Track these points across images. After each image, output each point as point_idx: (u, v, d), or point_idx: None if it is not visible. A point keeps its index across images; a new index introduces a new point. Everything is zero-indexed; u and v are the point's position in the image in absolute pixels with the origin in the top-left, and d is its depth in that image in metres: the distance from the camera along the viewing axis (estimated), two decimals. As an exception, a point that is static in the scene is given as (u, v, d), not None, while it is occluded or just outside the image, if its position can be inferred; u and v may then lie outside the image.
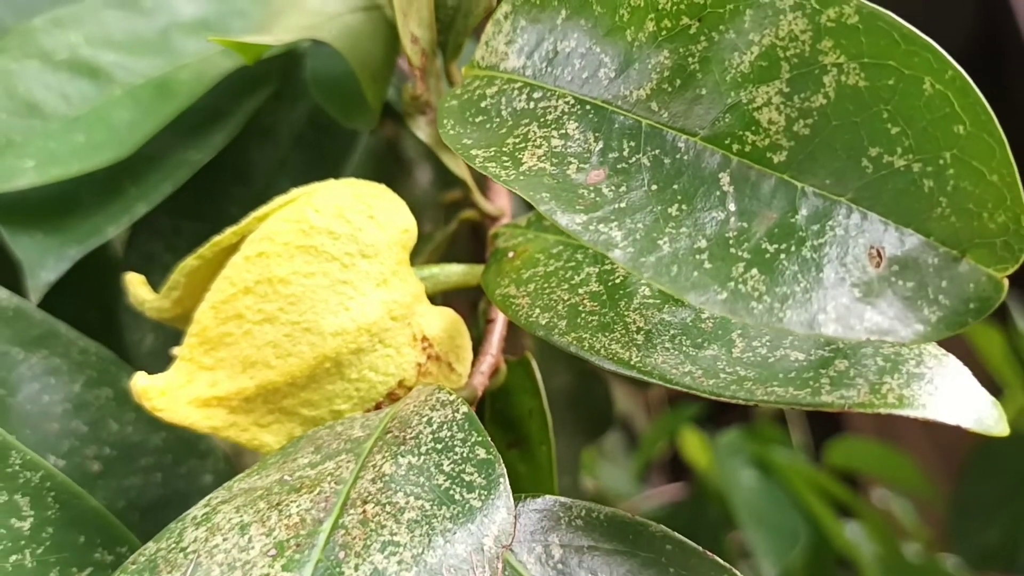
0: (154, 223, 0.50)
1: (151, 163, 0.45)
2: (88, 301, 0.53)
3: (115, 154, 0.42)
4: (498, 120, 0.29)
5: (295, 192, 0.33)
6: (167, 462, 0.40)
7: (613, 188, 0.26)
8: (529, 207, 0.41)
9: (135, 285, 0.35)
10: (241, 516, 0.26)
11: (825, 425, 1.22)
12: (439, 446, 0.27)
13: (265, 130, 0.52)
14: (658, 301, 0.29)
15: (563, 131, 0.28)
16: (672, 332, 0.28)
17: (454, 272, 0.36)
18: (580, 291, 0.30)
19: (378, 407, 0.32)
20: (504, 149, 0.28)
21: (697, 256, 0.24)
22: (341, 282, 0.31)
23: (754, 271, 0.24)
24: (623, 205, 0.26)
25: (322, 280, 0.31)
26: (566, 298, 0.30)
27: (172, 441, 0.39)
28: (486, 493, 0.26)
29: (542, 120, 0.28)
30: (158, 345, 0.50)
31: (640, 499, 0.99)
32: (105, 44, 0.46)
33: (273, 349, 0.30)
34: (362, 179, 0.35)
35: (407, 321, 0.32)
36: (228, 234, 0.33)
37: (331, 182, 0.34)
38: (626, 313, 0.29)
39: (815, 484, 0.88)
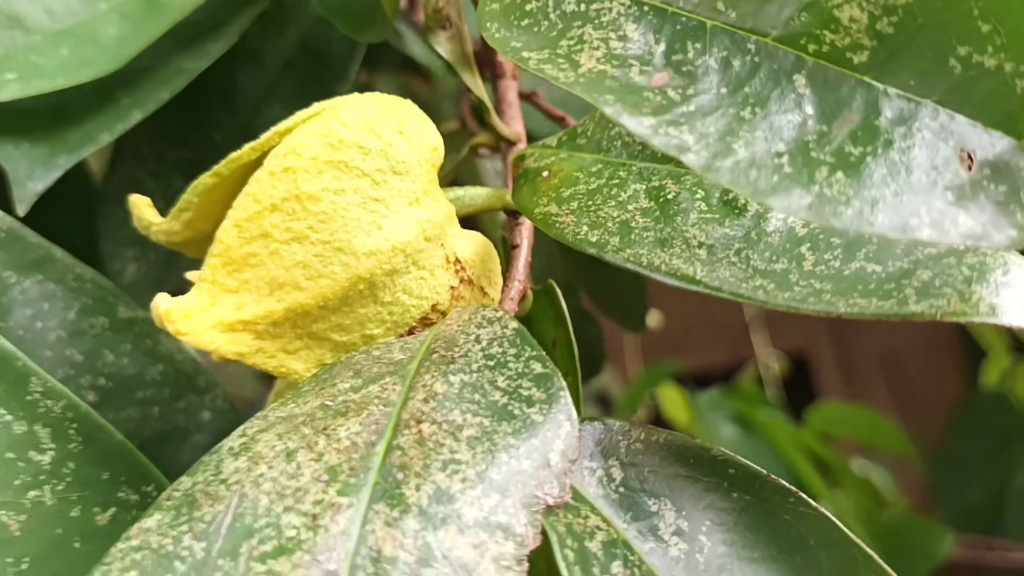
0: (137, 149, 0.49)
1: (145, 72, 0.44)
2: (68, 229, 0.51)
3: (102, 69, 0.41)
4: (547, 23, 0.29)
5: (318, 106, 0.32)
6: (165, 396, 0.39)
7: (680, 91, 0.26)
8: (549, 132, 0.41)
9: (140, 207, 0.34)
10: (285, 443, 0.25)
11: (799, 390, 1.24)
12: (491, 363, 0.27)
13: (253, 55, 0.51)
14: (717, 216, 0.29)
15: (621, 32, 0.27)
16: (737, 246, 0.27)
17: (479, 194, 0.36)
18: (630, 207, 0.30)
19: (411, 332, 0.31)
20: (559, 51, 0.27)
21: (776, 160, 0.24)
22: (373, 199, 0.30)
23: (839, 174, 0.23)
24: (692, 108, 0.25)
25: (353, 197, 0.30)
26: (615, 215, 0.30)
27: (170, 375, 0.39)
28: (547, 407, 0.25)
29: (597, 22, 0.28)
30: (140, 276, 0.49)
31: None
32: (92, -43, 0.44)
33: (303, 270, 0.30)
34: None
35: (440, 242, 0.32)
36: (247, 150, 0.32)
37: (356, 96, 0.33)
38: (684, 228, 0.28)
39: (797, 442, 0.89)
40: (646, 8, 0.27)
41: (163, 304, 0.29)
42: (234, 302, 0.30)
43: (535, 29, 0.28)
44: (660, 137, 0.25)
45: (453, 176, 0.61)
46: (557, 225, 0.30)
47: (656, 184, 0.30)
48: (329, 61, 0.51)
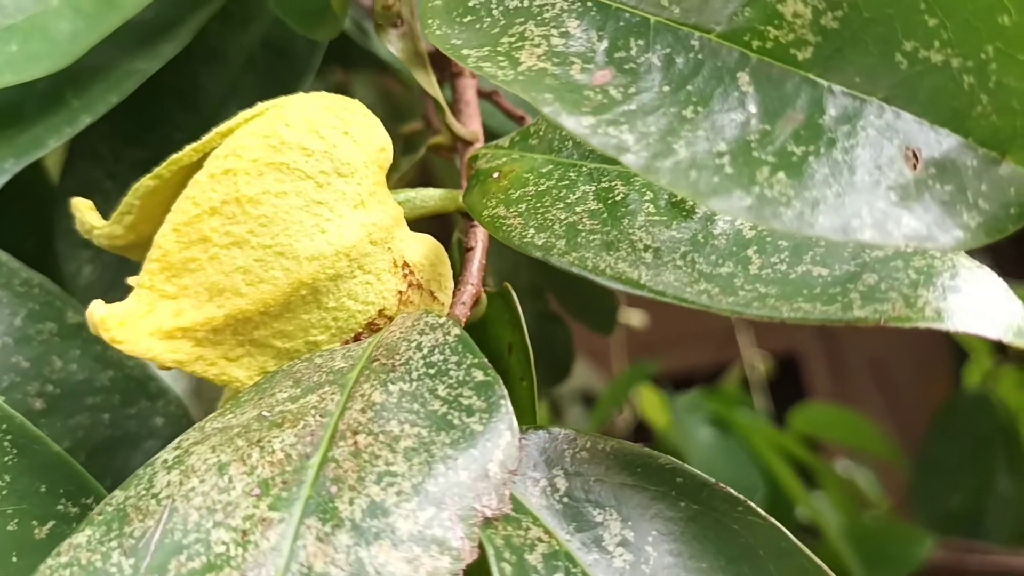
0: (94, 148, 0.48)
1: (95, 73, 0.43)
2: (22, 230, 0.50)
3: (53, 64, 0.40)
4: (489, 20, 0.28)
5: (261, 106, 0.32)
6: (115, 402, 0.38)
7: (621, 89, 0.25)
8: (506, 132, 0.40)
9: (82, 211, 0.33)
10: (218, 456, 0.25)
11: (788, 392, 1.23)
12: (432, 371, 0.26)
13: (214, 52, 0.50)
14: (665, 218, 0.28)
15: (563, 29, 0.26)
16: (683, 249, 0.27)
17: (431, 196, 0.35)
18: (577, 209, 0.29)
19: (357, 339, 0.30)
20: (499, 49, 0.26)
21: (717, 160, 0.23)
22: (316, 202, 0.30)
23: (780, 175, 0.23)
24: (633, 107, 0.24)
25: (295, 200, 0.30)
26: (563, 217, 0.29)
27: (120, 380, 0.38)
28: (487, 416, 0.25)
29: (539, 18, 0.27)
30: (95, 277, 0.48)
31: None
32: (44, -51, 0.44)
33: (243, 275, 0.29)
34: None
35: (387, 246, 0.31)
36: (188, 151, 0.31)
37: (301, 95, 0.32)
38: (630, 231, 0.28)
39: (776, 445, 0.89)
40: (589, 4, 0.27)
41: (98, 312, 0.28)
42: (173, 308, 0.29)
43: (477, 26, 0.28)
44: (599, 137, 0.24)
45: (416, 177, 0.60)
46: (504, 228, 0.30)
47: (605, 185, 0.30)
48: (291, 58, 0.50)
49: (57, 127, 0.42)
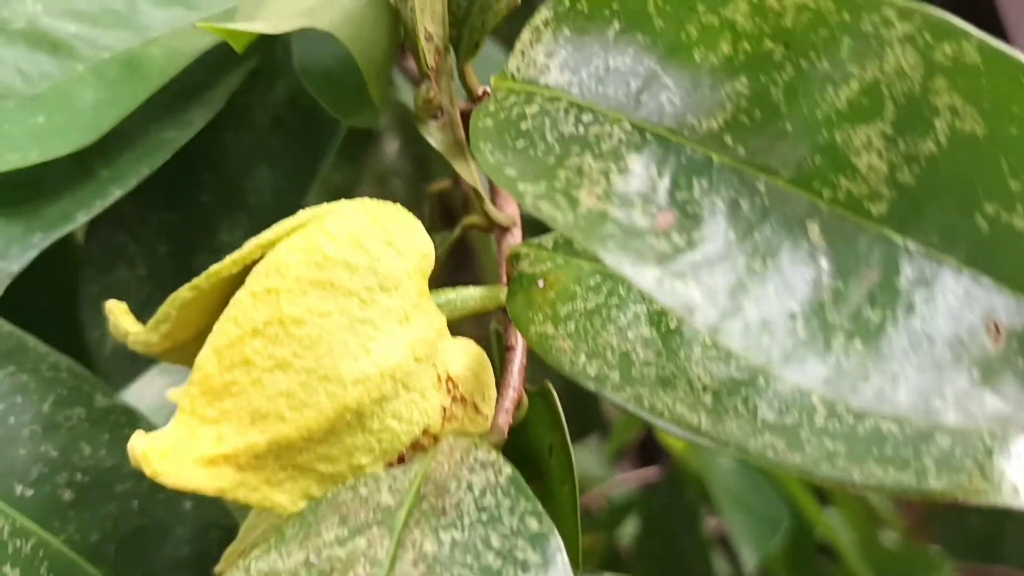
0: (117, 211, 0.47)
1: (123, 142, 0.42)
2: (46, 294, 0.49)
3: (79, 140, 0.39)
4: (543, 146, 0.27)
5: (303, 215, 0.31)
6: (144, 488, 0.37)
7: (685, 235, 0.24)
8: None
9: (116, 315, 0.32)
10: None
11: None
12: (484, 517, 0.25)
13: (239, 112, 0.49)
14: (722, 353, 0.27)
15: (622, 164, 0.25)
16: (744, 393, 0.26)
17: (472, 296, 0.34)
18: (630, 335, 0.28)
19: (401, 459, 0.30)
20: (556, 185, 0.25)
21: (790, 322, 0.22)
22: (360, 321, 0.29)
23: (857, 343, 0.22)
24: (699, 257, 0.23)
25: (340, 319, 0.29)
26: (615, 343, 0.28)
27: None
28: (543, 572, 0.24)
29: (596, 150, 0.26)
30: (120, 346, 0.46)
31: (613, 483, 0.98)
32: (67, 13, 0.42)
33: (287, 399, 0.28)
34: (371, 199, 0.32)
35: (431, 361, 0.30)
36: (228, 263, 0.30)
37: (342, 204, 0.31)
38: (687, 366, 0.27)
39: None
40: (648, 136, 0.26)
41: (140, 446, 0.27)
42: (214, 434, 0.28)
43: (531, 153, 0.27)
44: (665, 293, 0.23)
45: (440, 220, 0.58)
46: (554, 351, 0.29)
47: (658, 308, 0.29)
48: (319, 118, 0.49)
49: (86, 201, 0.41)
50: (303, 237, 0.30)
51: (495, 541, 0.25)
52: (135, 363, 0.46)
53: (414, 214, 0.32)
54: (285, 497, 0.29)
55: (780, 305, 0.22)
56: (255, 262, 0.30)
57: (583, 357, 0.28)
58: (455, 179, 0.51)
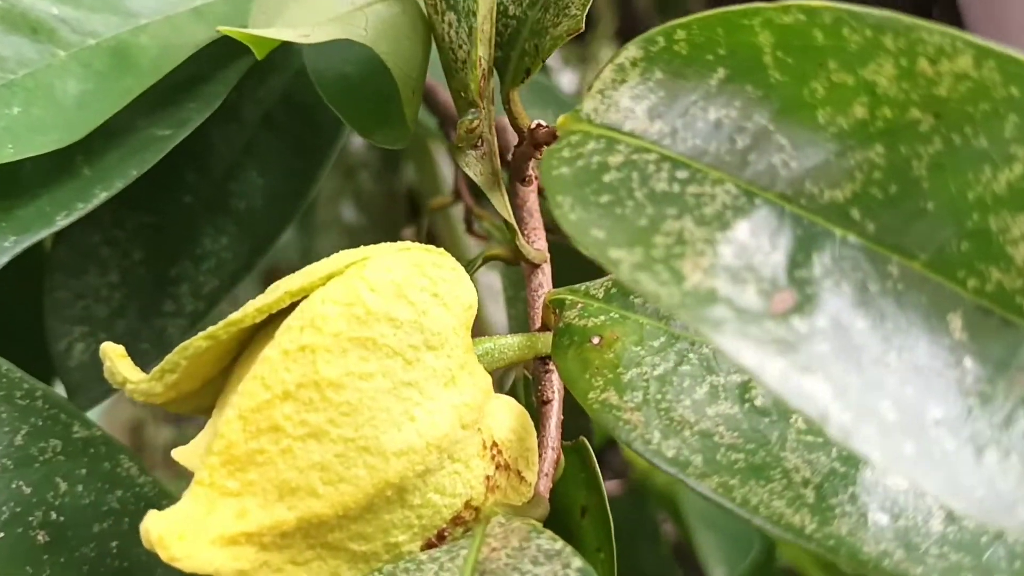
0: (92, 209, 0.43)
1: (109, 138, 0.38)
2: (5, 301, 0.45)
3: (60, 138, 0.35)
4: (632, 204, 0.24)
5: (338, 260, 0.27)
6: (124, 528, 0.33)
7: (807, 320, 0.21)
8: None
9: (113, 360, 0.28)
10: None
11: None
12: (556, 621, 0.22)
13: (227, 108, 0.45)
14: (820, 439, 0.24)
15: (729, 233, 0.22)
16: (851, 490, 0.23)
17: (510, 346, 0.31)
18: (709, 412, 0.25)
19: (441, 537, 0.27)
20: (654, 254, 0.22)
21: (934, 430, 0.20)
22: (405, 384, 0.26)
23: (1014, 460, 0.19)
24: (825, 348, 0.21)
25: (382, 383, 0.25)
26: (692, 420, 0.25)
27: (130, 501, 0.33)
28: None
29: (697, 214, 0.23)
30: (87, 358, 0.43)
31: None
32: (50, -7, 0.38)
33: (320, 473, 0.25)
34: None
35: (477, 426, 0.27)
36: (251, 312, 0.27)
37: (383, 248, 0.28)
38: (781, 453, 0.24)
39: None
40: (758, 202, 0.23)
41: (155, 528, 0.24)
42: (235, 508, 0.25)
43: (618, 211, 0.24)
44: (792, 390, 0.20)
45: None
46: (621, 425, 0.26)
47: (737, 380, 0.26)
48: (316, 121, 0.45)
49: (67, 202, 0.37)
50: (340, 286, 0.26)
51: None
52: (102, 379, 0.42)
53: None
54: None
55: (921, 408, 0.20)
56: (284, 317, 0.27)
57: (657, 435, 0.25)
58: (456, 193, 0.48)
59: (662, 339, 0.28)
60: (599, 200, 0.24)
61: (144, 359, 0.34)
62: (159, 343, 0.41)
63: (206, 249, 0.43)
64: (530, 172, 0.35)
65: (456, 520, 0.27)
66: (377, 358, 0.25)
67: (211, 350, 0.27)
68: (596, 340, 0.28)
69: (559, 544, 0.24)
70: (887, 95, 0.22)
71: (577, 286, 0.31)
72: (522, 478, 0.28)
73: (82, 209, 0.37)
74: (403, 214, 0.89)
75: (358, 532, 0.26)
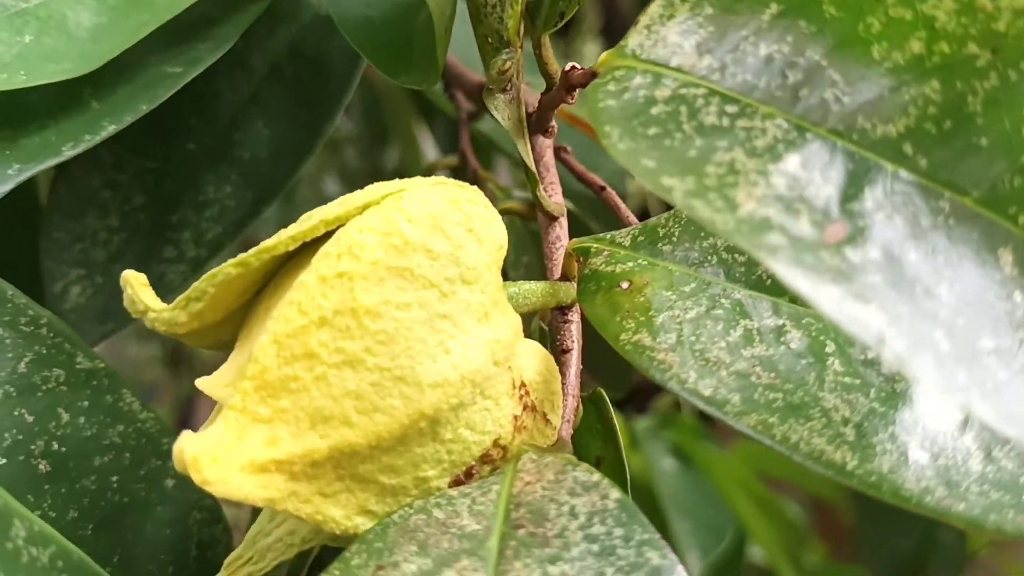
0: (94, 152, 0.42)
1: (119, 72, 0.38)
2: (4, 241, 0.44)
3: (73, 67, 0.35)
4: (680, 136, 0.24)
5: (375, 190, 0.27)
6: (124, 463, 0.33)
7: (859, 251, 0.21)
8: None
9: (135, 287, 0.28)
10: None
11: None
12: (595, 548, 0.23)
13: (235, 56, 0.45)
14: (858, 381, 0.25)
15: (781, 165, 0.23)
16: (890, 429, 0.23)
17: (534, 291, 0.31)
18: (745, 353, 0.26)
19: (468, 474, 0.27)
20: (707, 183, 0.22)
21: (987, 358, 0.20)
22: (440, 316, 0.26)
23: (1067, 391, 0.20)
24: (877, 278, 0.21)
25: (418, 314, 0.25)
26: (728, 360, 0.26)
27: (131, 436, 0.33)
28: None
29: (748, 146, 0.23)
30: (84, 301, 0.42)
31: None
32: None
33: (354, 401, 0.25)
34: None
35: (508, 364, 0.27)
36: (285, 239, 0.26)
37: (419, 181, 0.28)
38: (819, 393, 0.24)
39: (736, 478, 0.88)
40: (809, 136, 0.23)
41: (190, 449, 0.23)
42: (266, 435, 0.24)
43: (666, 143, 0.24)
44: (847, 317, 0.20)
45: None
46: (656, 364, 0.26)
47: (771, 324, 0.26)
48: (325, 74, 0.45)
49: (74, 132, 0.36)
50: (378, 216, 0.26)
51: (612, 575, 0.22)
52: (104, 322, 0.41)
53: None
54: (339, 511, 0.25)
55: (973, 339, 0.20)
56: (320, 244, 0.26)
57: (693, 375, 0.25)
58: (462, 157, 0.48)
59: (693, 285, 0.28)
60: (647, 132, 0.24)
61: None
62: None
63: (209, 197, 0.43)
64: (552, 124, 0.35)
65: (484, 458, 0.27)
66: (414, 288, 0.25)
67: (240, 278, 0.27)
68: (625, 285, 0.29)
69: (596, 476, 0.24)
70: (945, 30, 0.22)
71: (601, 235, 0.31)
72: (547, 421, 0.28)
73: (89, 141, 0.36)
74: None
75: (389, 465, 0.25)
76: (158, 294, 0.41)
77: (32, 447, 0.31)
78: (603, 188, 0.38)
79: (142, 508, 0.33)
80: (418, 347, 0.25)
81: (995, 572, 1.00)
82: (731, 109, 0.24)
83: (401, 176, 0.28)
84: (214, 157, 0.44)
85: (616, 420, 0.31)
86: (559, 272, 0.33)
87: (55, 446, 0.32)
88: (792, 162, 0.23)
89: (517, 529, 0.23)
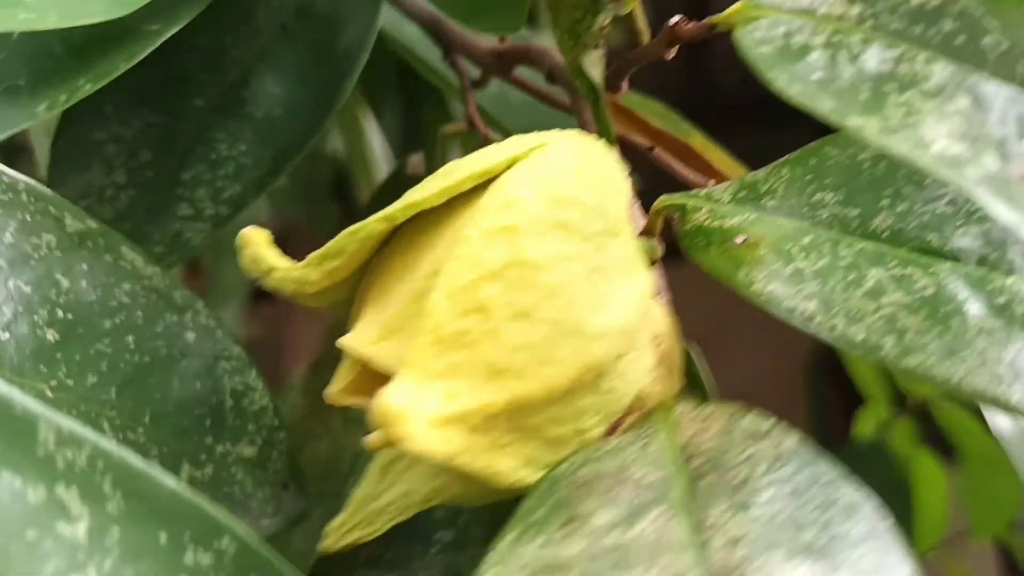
0: (94, 106, 0.40)
1: (92, 30, 0.35)
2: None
3: (109, 8, 0.34)
4: (846, 79, 0.24)
5: (517, 144, 0.27)
6: (137, 322, 0.32)
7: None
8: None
9: (259, 245, 0.27)
10: None
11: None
12: (785, 490, 0.23)
13: (240, 11, 0.43)
14: (999, 326, 0.25)
15: (955, 106, 0.23)
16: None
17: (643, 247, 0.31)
18: (884, 300, 0.26)
19: (617, 425, 0.27)
20: (891, 123, 0.23)
21: None
22: (596, 269, 0.26)
23: None
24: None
25: (578, 266, 0.26)
26: (869, 307, 0.26)
27: (140, 294, 0.32)
28: (873, 544, 0.22)
29: (918, 89, 0.24)
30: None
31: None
32: None
33: (528, 354, 0.25)
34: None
35: (647, 316, 0.27)
36: (434, 192, 0.26)
37: (557, 135, 0.28)
38: (969, 338, 0.25)
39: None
40: (973, 78, 0.24)
41: (396, 403, 0.23)
42: (443, 390, 0.24)
43: (836, 86, 0.24)
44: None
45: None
46: (798, 313, 0.26)
47: (898, 273, 0.27)
48: (337, 33, 0.44)
49: (48, 92, 0.34)
50: (531, 170, 0.26)
51: (806, 515, 0.22)
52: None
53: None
54: (508, 463, 0.25)
55: None
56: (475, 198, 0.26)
57: (842, 322, 0.26)
58: (469, 123, 0.47)
59: (810, 237, 0.28)
60: (811, 77, 0.25)
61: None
62: (175, 246, 0.39)
63: (222, 155, 0.41)
64: (624, 82, 0.35)
65: (629, 409, 0.27)
66: (572, 242, 0.26)
67: (381, 235, 0.26)
68: (740, 239, 0.29)
69: (768, 423, 0.24)
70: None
71: (693, 192, 0.32)
72: (672, 372, 0.29)
73: (65, 101, 0.34)
74: (328, 179, 0.87)
75: (555, 416, 0.25)
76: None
77: (35, 317, 0.30)
78: (651, 148, 0.38)
79: (165, 365, 0.32)
80: (581, 300, 0.25)
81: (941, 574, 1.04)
82: (890, 55, 0.25)
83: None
84: (223, 113, 0.42)
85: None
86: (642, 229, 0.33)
87: (60, 314, 0.31)
88: (963, 102, 0.23)
89: (701, 477, 0.24)
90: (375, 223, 0.26)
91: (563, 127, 0.31)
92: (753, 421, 0.25)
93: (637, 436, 0.26)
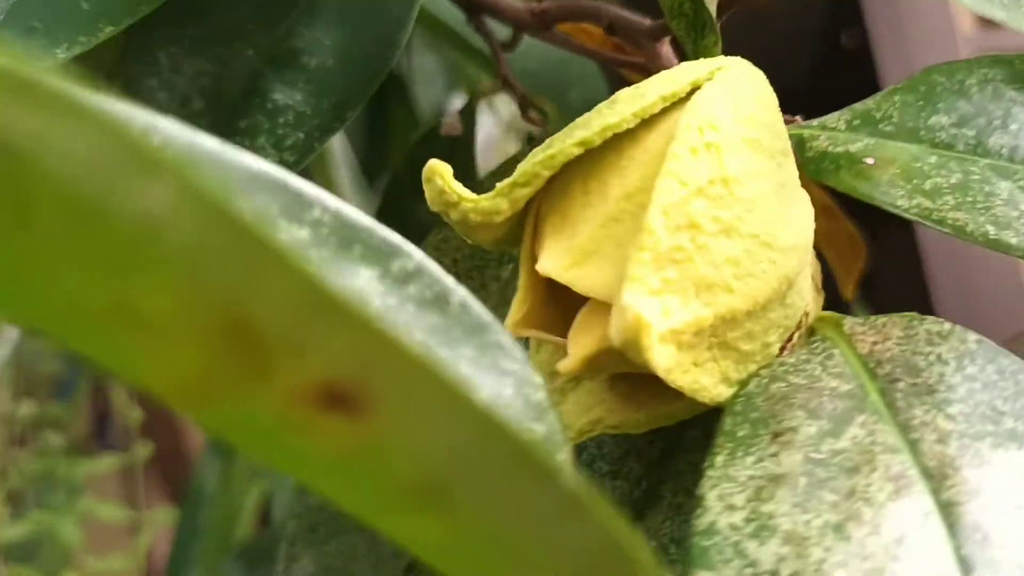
0: (147, 51, 0.39)
1: None
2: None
3: None
4: None
5: (696, 68, 0.28)
6: None
7: None
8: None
9: (446, 178, 0.26)
10: (820, 516, 0.22)
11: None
12: (977, 385, 0.24)
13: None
14: None
15: None
16: None
17: None
18: (1022, 208, 0.28)
19: (789, 341, 0.27)
20: None
21: None
22: (780, 185, 0.27)
23: None
24: None
25: (768, 183, 0.26)
26: (1014, 215, 0.28)
27: None
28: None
29: None
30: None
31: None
32: None
33: (733, 268, 0.25)
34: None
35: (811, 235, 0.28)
36: (628, 115, 0.26)
37: (731, 60, 0.29)
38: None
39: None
40: None
41: (649, 309, 0.23)
42: (659, 307, 0.24)
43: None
44: None
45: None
46: (950, 223, 0.28)
47: (1024, 184, 0.29)
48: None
49: (68, 34, 0.34)
50: (717, 92, 0.27)
51: (1002, 405, 0.24)
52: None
53: None
54: (708, 379, 0.26)
55: None
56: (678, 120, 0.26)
57: (992, 228, 0.27)
58: (503, 80, 0.48)
59: (935, 158, 0.30)
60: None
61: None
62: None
63: (278, 104, 0.41)
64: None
65: (799, 325, 0.28)
66: (761, 158, 0.26)
67: (577, 161, 0.27)
68: (870, 160, 0.30)
69: (948, 324, 0.26)
70: None
71: (808, 122, 0.33)
72: (819, 289, 0.30)
73: (85, 44, 0.34)
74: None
75: (749, 331, 0.26)
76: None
77: None
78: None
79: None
80: (773, 215, 0.26)
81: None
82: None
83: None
84: (274, 63, 0.41)
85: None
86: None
87: None
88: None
89: (895, 383, 0.25)
90: (572, 147, 0.26)
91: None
92: (932, 324, 0.26)
93: (811, 352, 0.27)
